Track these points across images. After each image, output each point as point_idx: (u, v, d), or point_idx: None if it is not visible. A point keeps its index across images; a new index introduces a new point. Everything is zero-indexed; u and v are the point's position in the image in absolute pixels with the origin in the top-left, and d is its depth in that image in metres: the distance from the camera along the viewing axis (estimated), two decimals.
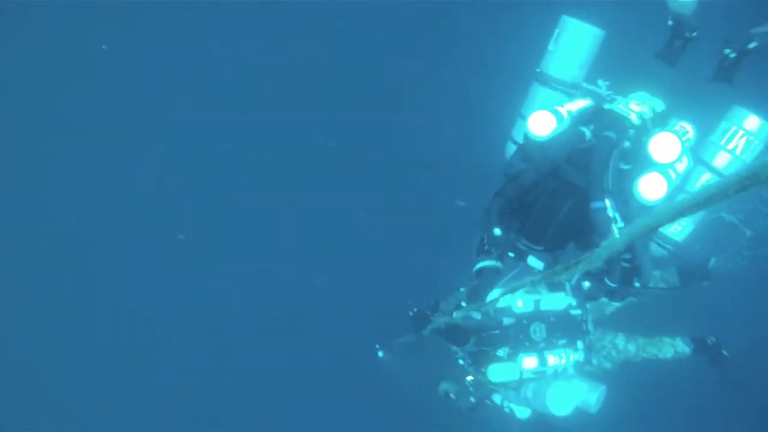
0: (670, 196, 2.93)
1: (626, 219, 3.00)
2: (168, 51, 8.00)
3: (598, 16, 3.54)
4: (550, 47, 3.58)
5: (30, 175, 8.53)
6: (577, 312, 3.75)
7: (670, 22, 3.39)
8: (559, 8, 3.59)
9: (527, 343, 3.64)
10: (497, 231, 3.43)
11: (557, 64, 3.53)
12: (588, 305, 3.75)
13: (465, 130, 7.12)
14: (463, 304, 3.51)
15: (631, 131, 3.17)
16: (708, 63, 3.38)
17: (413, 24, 7.84)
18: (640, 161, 3.11)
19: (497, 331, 3.66)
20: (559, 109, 3.20)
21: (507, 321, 3.66)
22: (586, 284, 3.20)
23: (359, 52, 7.73)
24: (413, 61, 7.75)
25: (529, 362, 3.56)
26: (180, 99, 8.21)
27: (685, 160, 3.13)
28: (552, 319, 3.71)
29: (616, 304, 3.94)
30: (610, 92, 3.42)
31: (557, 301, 3.70)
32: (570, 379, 3.65)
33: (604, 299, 3.37)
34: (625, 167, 3.15)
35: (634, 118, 3.20)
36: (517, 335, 3.65)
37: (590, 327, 3.75)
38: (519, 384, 3.62)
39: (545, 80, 3.56)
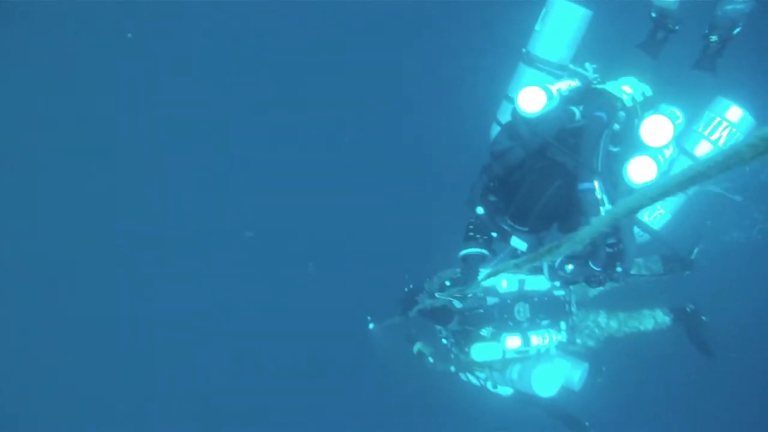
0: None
1: (614, 202, 2.98)
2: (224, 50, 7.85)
3: None
4: (537, 27, 3.53)
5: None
6: (560, 293, 3.78)
7: (653, 14, 3.40)
8: None
9: (511, 323, 3.64)
10: (480, 209, 3.42)
11: (544, 44, 3.48)
12: (572, 286, 3.76)
13: (452, 111, 7.09)
14: (447, 283, 3.51)
15: (622, 113, 3.14)
16: (692, 49, 3.40)
17: (399, 6, 7.73)
18: (630, 144, 3.09)
19: (481, 311, 3.66)
20: (550, 86, 3.17)
21: (491, 300, 3.66)
22: (570, 267, 3.18)
23: (345, 30, 7.66)
24: (398, 42, 7.67)
25: (513, 342, 3.55)
26: (174, 93, 8.12)
27: (671, 147, 3.13)
28: (536, 299, 3.72)
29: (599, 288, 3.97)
30: (596, 75, 3.40)
31: (541, 282, 3.72)
32: (553, 359, 3.68)
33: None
34: (615, 149, 3.12)
35: (626, 100, 3.17)
36: (501, 315, 3.65)
37: (573, 308, 3.79)
38: (503, 365, 3.63)
39: (531, 60, 3.51)
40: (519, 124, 3.25)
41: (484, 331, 3.62)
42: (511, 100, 3.50)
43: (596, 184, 2.97)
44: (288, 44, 8.03)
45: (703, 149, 3.32)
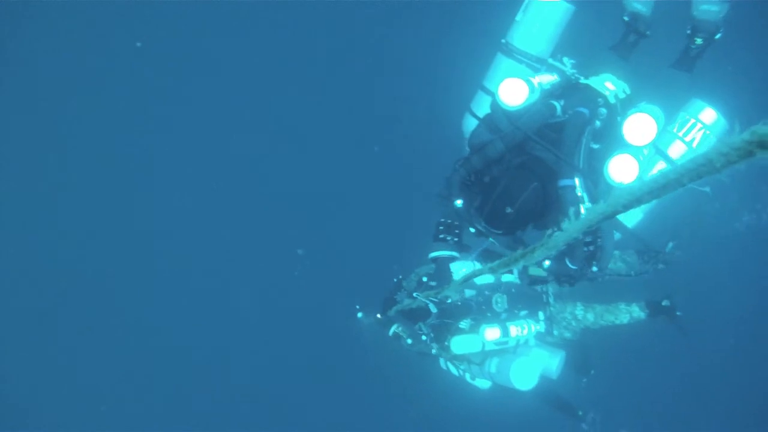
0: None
1: (594, 200, 2.95)
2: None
3: None
4: (518, 17, 3.48)
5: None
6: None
7: (625, 18, 3.40)
8: None
9: (489, 314, 3.61)
10: (459, 203, 3.37)
11: (524, 35, 3.42)
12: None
13: (425, 100, 6.99)
14: (425, 279, 3.49)
15: (603, 110, 3.10)
16: (668, 48, 3.41)
17: None
18: (612, 141, 3.05)
19: (459, 303, 3.66)
20: (531, 79, 3.11)
21: (469, 293, 3.64)
22: (547, 263, 3.17)
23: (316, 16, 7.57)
24: (371, 28, 7.56)
25: (492, 333, 3.50)
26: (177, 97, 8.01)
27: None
28: (513, 290, 3.71)
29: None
30: (574, 71, 3.36)
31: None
32: (530, 351, 3.70)
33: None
34: (596, 146, 3.09)
35: (609, 96, 3.14)
36: (479, 306, 3.64)
37: (551, 299, 3.81)
38: (482, 358, 3.61)
39: (510, 52, 3.44)
40: (499, 116, 3.19)
41: (463, 324, 3.59)
42: (488, 91, 3.45)
43: (577, 181, 2.94)
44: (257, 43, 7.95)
45: (677, 150, 3.29)
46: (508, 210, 3.09)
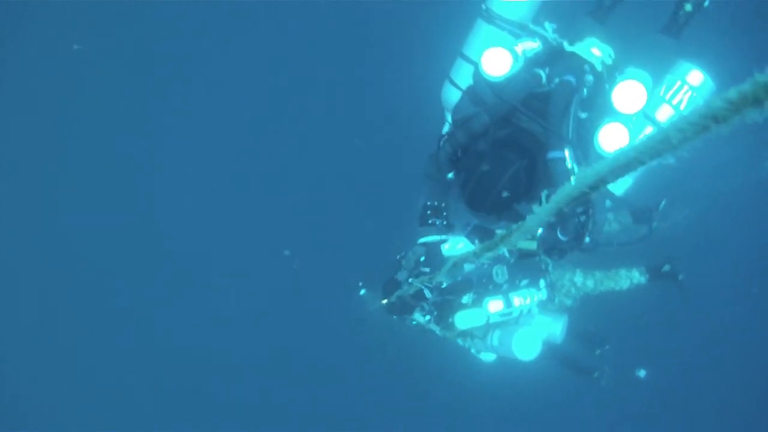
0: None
1: None
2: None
3: None
4: None
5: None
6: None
7: None
8: None
9: (491, 287, 3.59)
10: (451, 175, 3.28)
11: (505, 1, 3.24)
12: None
13: (403, 67, 6.78)
14: (422, 258, 3.48)
15: (590, 77, 3.00)
16: (655, 13, 3.30)
17: None
18: (599, 110, 2.96)
19: (459, 278, 3.65)
20: (515, 47, 3.00)
21: (468, 267, 3.64)
22: (539, 231, 3.12)
23: None
24: None
25: (495, 305, 3.50)
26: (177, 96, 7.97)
27: None
28: (512, 260, 3.73)
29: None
30: (555, 36, 3.22)
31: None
32: (532, 320, 3.71)
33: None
34: (583, 116, 2.99)
35: (596, 63, 3.03)
36: (480, 279, 3.65)
37: (550, 267, 3.80)
38: (485, 331, 3.61)
39: (491, 18, 3.27)
40: (483, 88, 3.08)
41: (465, 298, 3.58)
42: (469, 60, 3.31)
43: (567, 152, 2.87)
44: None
45: (664, 113, 3.17)
46: (488, 194, 2.99)
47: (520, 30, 3.28)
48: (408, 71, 6.21)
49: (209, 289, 8.30)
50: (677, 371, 6.82)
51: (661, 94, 3.17)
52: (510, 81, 3.00)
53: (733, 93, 0.85)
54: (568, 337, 3.92)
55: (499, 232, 3.31)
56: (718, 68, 3.14)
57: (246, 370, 8.15)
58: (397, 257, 3.76)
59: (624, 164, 1.00)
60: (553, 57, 3.16)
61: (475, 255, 1.46)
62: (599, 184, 1.06)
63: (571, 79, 2.97)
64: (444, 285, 3.53)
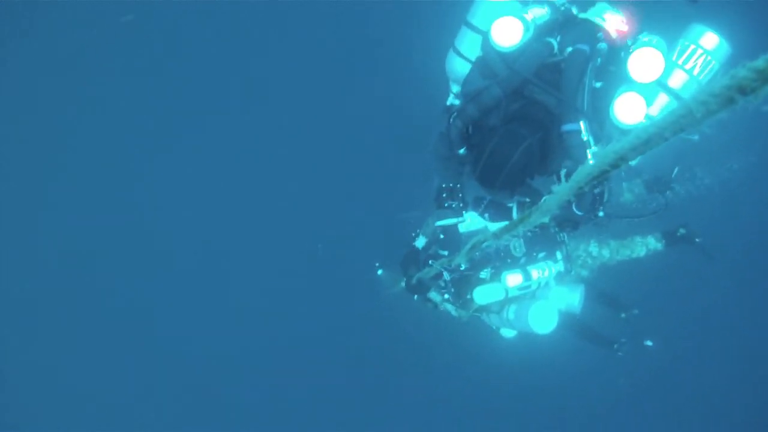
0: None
1: (600, 143, 2.78)
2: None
3: None
4: None
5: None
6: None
7: None
8: None
9: (509, 260, 3.59)
10: (463, 150, 3.21)
11: None
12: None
13: (409, 41, 6.61)
14: (441, 236, 3.45)
15: (603, 45, 2.88)
16: None
17: None
18: (614, 79, 2.86)
19: (477, 253, 3.64)
20: (525, 15, 2.89)
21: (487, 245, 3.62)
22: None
23: None
24: None
25: (514, 279, 3.47)
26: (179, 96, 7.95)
27: None
28: (528, 233, 3.70)
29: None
30: (564, 1, 3.10)
31: None
32: (548, 292, 3.69)
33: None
34: (597, 85, 2.88)
35: (610, 30, 2.91)
36: (498, 253, 3.64)
37: (565, 237, 3.77)
38: (501, 306, 3.60)
39: None
40: (493, 59, 2.97)
41: (483, 273, 3.57)
42: (475, 29, 3.17)
43: (582, 124, 2.77)
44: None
45: (677, 79, 3.01)
46: (500, 171, 2.92)
47: None
48: (412, 43, 6.09)
49: (217, 286, 8.29)
50: (697, 341, 6.81)
51: (674, 58, 3.03)
52: (522, 52, 2.90)
53: (761, 62, 0.81)
54: (589, 304, 3.91)
55: (515, 211, 3.30)
56: (733, 31, 3.01)
57: (258, 366, 8.19)
58: (413, 234, 3.75)
59: (645, 141, 0.97)
60: (563, 24, 3.03)
61: (496, 236, 1.44)
62: (620, 162, 1.03)
63: (585, 47, 2.85)
64: (463, 267, 3.50)
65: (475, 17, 3.15)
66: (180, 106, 8.01)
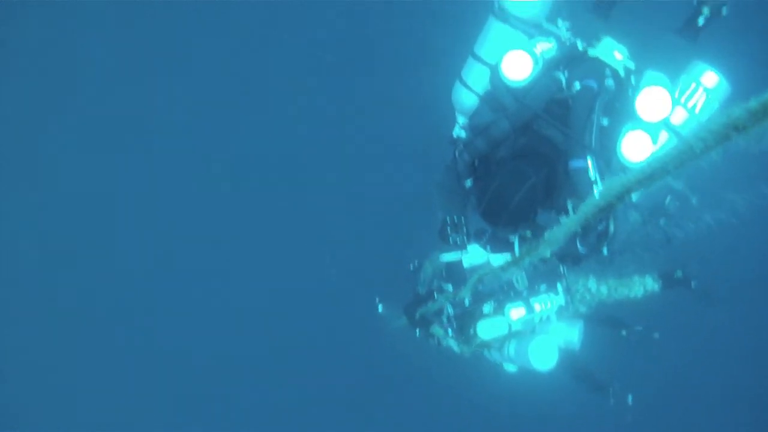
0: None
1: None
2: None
3: None
4: None
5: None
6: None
7: None
8: None
9: (512, 293, 3.54)
10: (469, 182, 3.20)
11: None
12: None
13: (417, 76, 6.67)
14: (444, 274, 3.45)
15: (611, 81, 2.90)
16: (669, 14, 3.24)
17: None
18: (621, 117, 2.87)
19: (480, 287, 3.63)
20: (534, 50, 2.92)
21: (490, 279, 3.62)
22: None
23: None
24: None
25: (517, 312, 3.43)
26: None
27: None
28: (531, 266, 3.70)
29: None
30: (569, 34, 3.11)
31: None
32: (548, 328, 3.66)
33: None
34: (605, 122, 2.89)
35: (618, 68, 2.94)
36: (501, 287, 3.63)
37: (564, 270, 3.76)
38: (502, 341, 3.56)
39: (504, 15, 3.09)
40: (502, 93, 2.97)
41: (486, 307, 3.52)
42: (482, 61, 3.16)
43: (589, 161, 2.77)
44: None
45: (678, 117, 2.99)
46: (504, 209, 2.89)
47: (533, 29, 3.12)
48: (419, 72, 6.17)
49: (217, 288, 8.27)
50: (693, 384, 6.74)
51: (676, 96, 3.02)
52: (531, 86, 2.92)
53: (753, 103, 0.87)
54: (588, 341, 3.89)
55: (516, 244, 3.32)
56: (733, 69, 3.07)
57: (256, 372, 8.12)
58: (411, 267, 3.74)
59: (650, 175, 1.02)
60: (570, 59, 3.06)
61: (502, 270, 1.48)
62: (625, 194, 1.09)
63: (593, 84, 2.88)
64: (467, 302, 3.49)
65: (483, 49, 3.15)
66: (187, 117, 8.09)
